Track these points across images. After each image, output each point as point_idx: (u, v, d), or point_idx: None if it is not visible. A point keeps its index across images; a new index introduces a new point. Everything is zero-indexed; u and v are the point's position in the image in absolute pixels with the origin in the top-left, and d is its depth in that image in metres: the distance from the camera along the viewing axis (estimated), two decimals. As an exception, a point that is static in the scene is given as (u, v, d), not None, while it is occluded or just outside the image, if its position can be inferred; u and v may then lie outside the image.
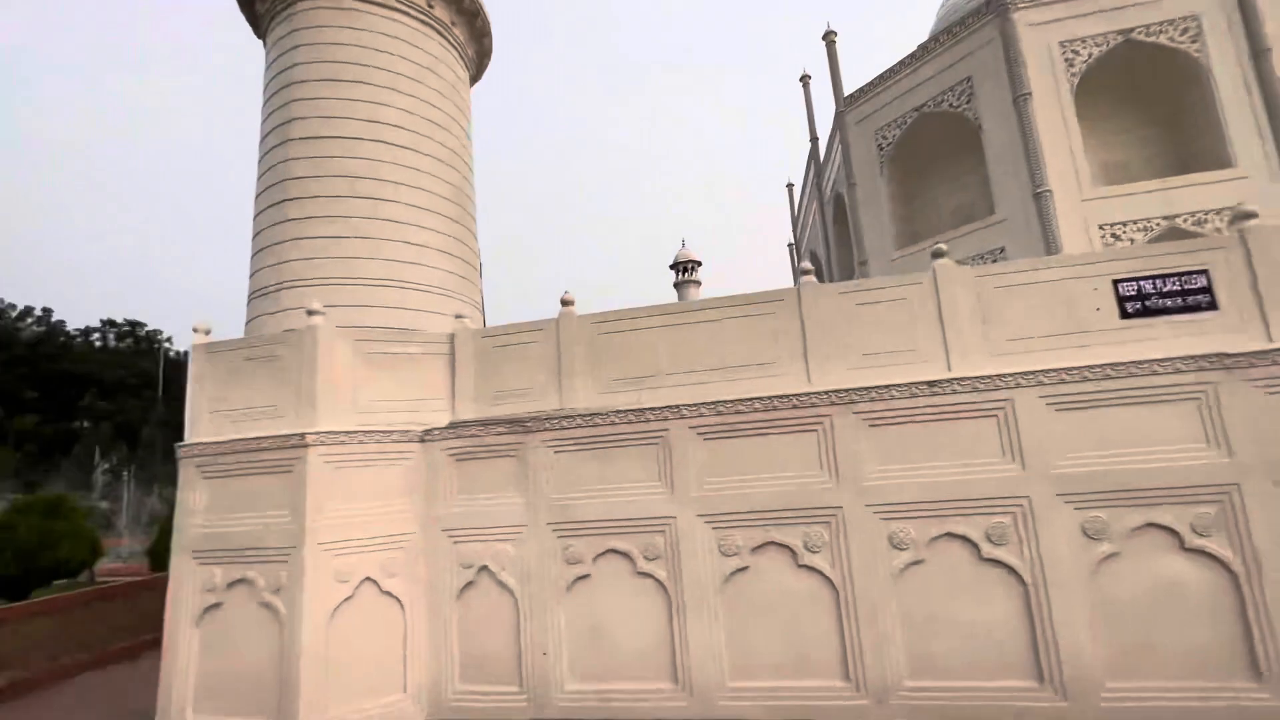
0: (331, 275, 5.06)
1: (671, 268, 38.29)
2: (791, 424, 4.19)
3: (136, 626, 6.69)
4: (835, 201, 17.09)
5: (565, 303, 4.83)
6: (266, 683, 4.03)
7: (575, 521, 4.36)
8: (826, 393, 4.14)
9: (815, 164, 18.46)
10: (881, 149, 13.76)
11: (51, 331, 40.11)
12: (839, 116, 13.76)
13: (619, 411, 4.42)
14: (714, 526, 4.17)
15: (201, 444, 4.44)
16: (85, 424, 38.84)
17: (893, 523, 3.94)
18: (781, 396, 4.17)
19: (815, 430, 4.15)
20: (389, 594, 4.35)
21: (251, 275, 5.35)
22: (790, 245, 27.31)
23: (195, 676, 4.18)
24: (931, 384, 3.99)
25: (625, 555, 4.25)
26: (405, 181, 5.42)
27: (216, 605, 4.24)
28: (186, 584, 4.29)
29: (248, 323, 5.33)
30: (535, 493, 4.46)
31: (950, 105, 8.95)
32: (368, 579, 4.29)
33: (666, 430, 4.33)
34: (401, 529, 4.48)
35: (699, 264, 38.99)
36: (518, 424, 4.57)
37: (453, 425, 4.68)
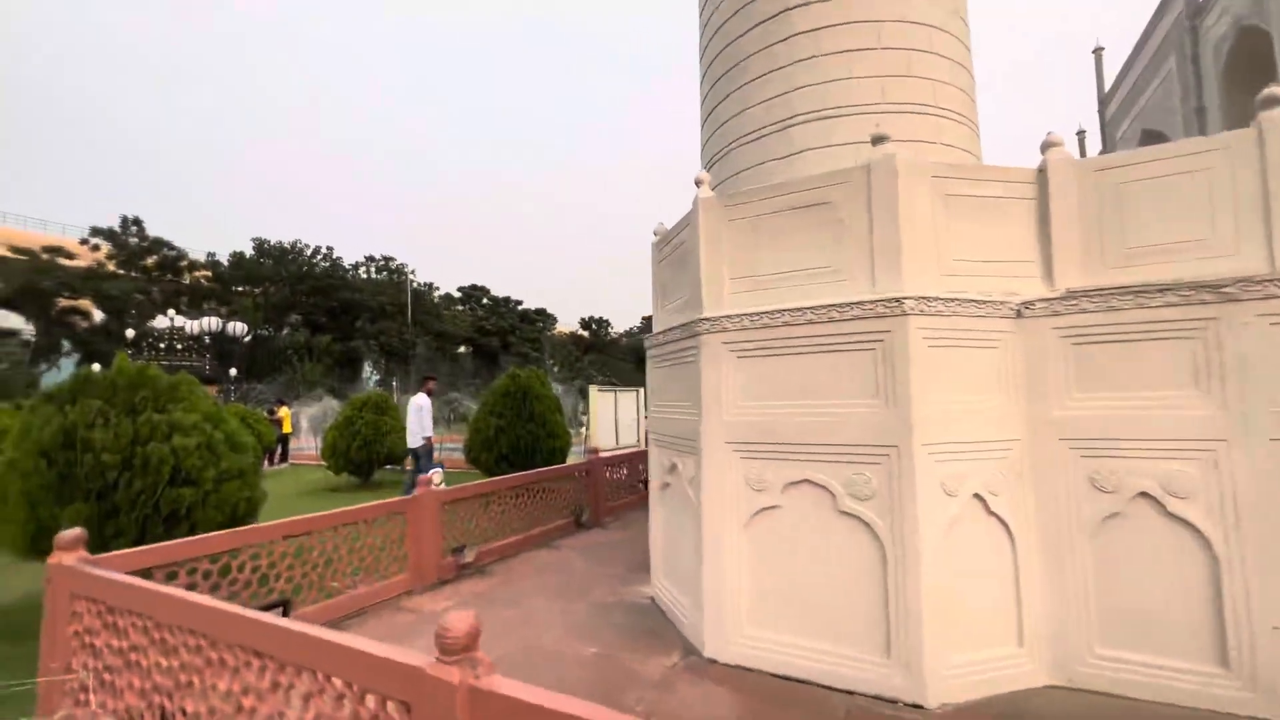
0: (853, 102, 3.85)
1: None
2: None
3: (537, 515, 6.78)
4: (1233, 46, 12.45)
5: (1273, 101, 3.06)
6: (857, 610, 3.21)
7: (1334, 439, 2.78)
8: None
9: (1185, 2, 13.60)
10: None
11: (334, 266, 48.19)
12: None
13: None
14: None
15: (730, 317, 3.63)
16: (359, 343, 46.88)
17: None
18: None
19: None
20: (995, 515, 3.26)
21: (723, 124, 4.37)
22: (1079, 134, 21.80)
23: (748, 583, 3.54)
24: None
25: None
26: (932, -34, 3.95)
27: (772, 508, 3.51)
28: (727, 480, 3.61)
29: (719, 183, 4.43)
30: (1239, 392, 2.94)
31: None
32: (975, 495, 3.22)
33: None
34: (1001, 433, 3.31)
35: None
36: (1200, 289, 3.03)
37: (1070, 296, 3.30)
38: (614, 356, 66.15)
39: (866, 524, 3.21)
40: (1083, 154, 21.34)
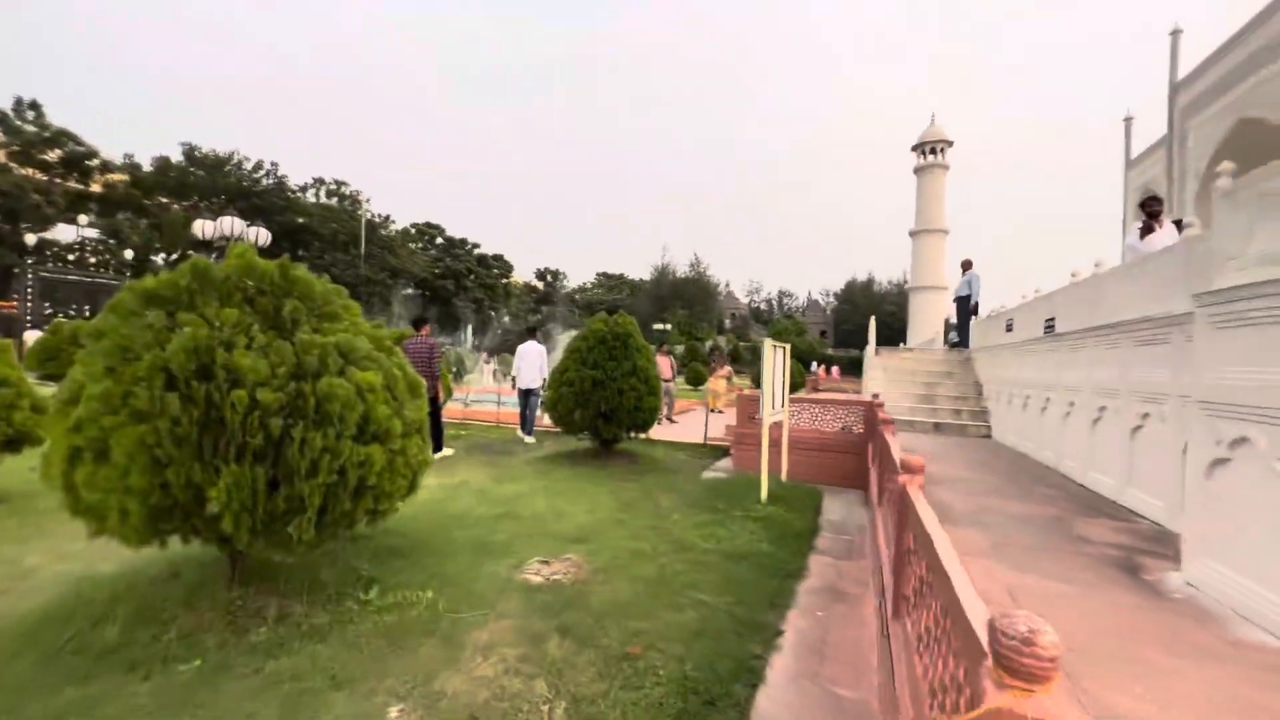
0: None
1: (915, 149, 34.22)
2: None
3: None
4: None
5: None
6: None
7: None
8: None
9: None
10: None
11: (279, 185, 42.57)
12: None
13: None
14: None
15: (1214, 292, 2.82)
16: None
17: None
18: None
19: None
20: None
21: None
22: (1126, 121, 21.41)
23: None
24: None
25: None
26: None
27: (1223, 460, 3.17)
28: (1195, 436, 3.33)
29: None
30: None
31: None
32: None
33: None
34: None
35: (949, 144, 34.68)
36: None
37: None
38: (566, 309, 64.07)
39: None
40: (1128, 142, 20.64)
